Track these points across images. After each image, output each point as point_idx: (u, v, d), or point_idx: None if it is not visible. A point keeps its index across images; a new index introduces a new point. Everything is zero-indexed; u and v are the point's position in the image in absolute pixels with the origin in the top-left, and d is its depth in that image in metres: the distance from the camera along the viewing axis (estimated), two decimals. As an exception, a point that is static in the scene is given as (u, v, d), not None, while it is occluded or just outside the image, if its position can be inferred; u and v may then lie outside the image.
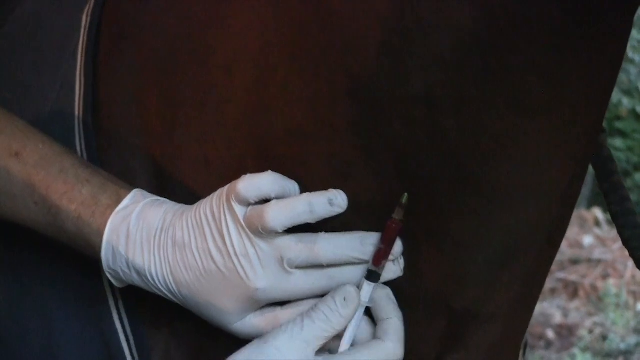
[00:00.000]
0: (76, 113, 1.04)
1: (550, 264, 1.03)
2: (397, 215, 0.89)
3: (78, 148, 1.03)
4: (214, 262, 0.90)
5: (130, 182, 0.98)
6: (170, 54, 1.01)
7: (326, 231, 0.90)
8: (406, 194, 0.89)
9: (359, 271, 0.90)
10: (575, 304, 6.27)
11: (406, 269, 0.92)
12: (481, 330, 0.97)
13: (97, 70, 1.06)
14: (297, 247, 0.89)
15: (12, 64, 1.12)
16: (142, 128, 1.02)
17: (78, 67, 1.06)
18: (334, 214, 0.89)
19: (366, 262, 0.90)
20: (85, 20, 1.08)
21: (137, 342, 0.99)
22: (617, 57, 0.89)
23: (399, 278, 0.92)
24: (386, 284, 0.92)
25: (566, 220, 1.00)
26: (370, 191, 0.90)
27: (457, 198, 0.89)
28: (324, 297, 0.90)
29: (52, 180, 0.95)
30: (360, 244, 0.90)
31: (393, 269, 0.91)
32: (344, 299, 0.89)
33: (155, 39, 1.03)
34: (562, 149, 0.90)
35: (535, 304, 1.06)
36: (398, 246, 0.91)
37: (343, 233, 0.90)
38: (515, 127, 0.87)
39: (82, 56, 1.06)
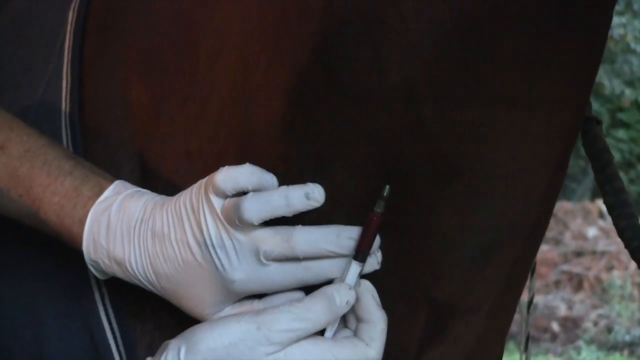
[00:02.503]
0: (63, 108, 1.05)
1: (534, 255, 1.04)
2: (379, 207, 0.90)
3: (64, 142, 1.04)
4: (192, 253, 0.91)
5: (115, 175, 0.99)
6: (154, 49, 1.02)
7: (304, 224, 0.90)
8: (388, 186, 0.89)
9: (335, 264, 0.91)
10: (579, 296, 6.27)
11: (388, 261, 0.93)
12: (463, 323, 0.97)
13: (83, 65, 1.07)
14: (273, 240, 0.89)
15: (1, 59, 1.12)
16: (126, 122, 1.03)
17: (65, 63, 1.07)
18: (310, 207, 0.90)
19: (343, 255, 0.90)
20: (71, 16, 1.09)
21: (122, 336, 1.00)
22: (598, 48, 0.90)
23: (380, 269, 0.93)
24: (366, 276, 0.92)
25: (549, 212, 1.00)
26: (350, 184, 0.91)
27: (437, 190, 0.90)
28: (325, 292, 0.89)
29: (36, 172, 0.96)
30: (336, 237, 0.90)
31: (370, 261, 0.91)
32: (347, 302, 0.90)
33: (139, 34, 1.04)
34: (543, 141, 0.90)
35: (519, 296, 1.06)
36: (376, 240, 0.91)
37: (320, 226, 0.90)
38: (496, 120, 0.87)
39: (68, 52, 1.07)
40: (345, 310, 0.90)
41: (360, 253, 0.90)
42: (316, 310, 0.88)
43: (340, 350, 0.89)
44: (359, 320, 0.92)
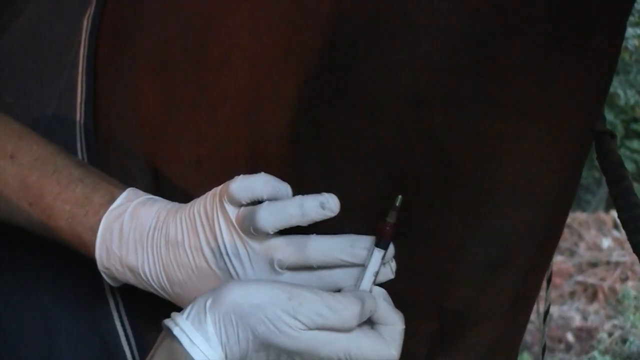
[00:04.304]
0: (77, 117, 1.05)
1: (547, 266, 1.03)
2: (391, 218, 0.89)
3: (79, 152, 1.04)
4: (206, 261, 0.91)
5: (127, 183, 0.99)
6: (167, 56, 1.02)
7: (317, 233, 0.90)
8: (400, 197, 0.89)
9: (349, 273, 0.91)
10: (594, 306, 6.24)
11: (398, 270, 0.93)
12: (473, 333, 0.97)
13: (97, 73, 1.07)
14: (288, 249, 0.89)
15: (15, 69, 1.13)
16: (138, 129, 1.03)
17: (79, 72, 1.07)
18: (325, 217, 0.90)
19: (356, 265, 0.90)
20: (86, 24, 1.09)
21: (137, 343, 1.00)
22: (612, 56, 0.89)
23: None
24: (379, 285, 0.92)
25: (562, 223, 1.00)
26: (362, 193, 0.91)
27: (447, 199, 0.90)
28: (359, 296, 0.89)
29: (46, 181, 0.96)
30: (350, 247, 0.90)
31: (384, 271, 0.91)
32: (370, 311, 0.89)
33: (152, 41, 1.04)
34: (554, 152, 0.90)
35: (532, 307, 1.05)
36: (390, 249, 0.91)
37: (334, 235, 0.90)
38: (506, 129, 0.87)
39: (83, 60, 1.07)
40: (367, 317, 0.90)
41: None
42: (350, 309, 0.88)
43: (365, 343, 0.89)
44: (375, 322, 0.91)
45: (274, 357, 0.88)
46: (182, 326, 0.87)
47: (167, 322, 0.88)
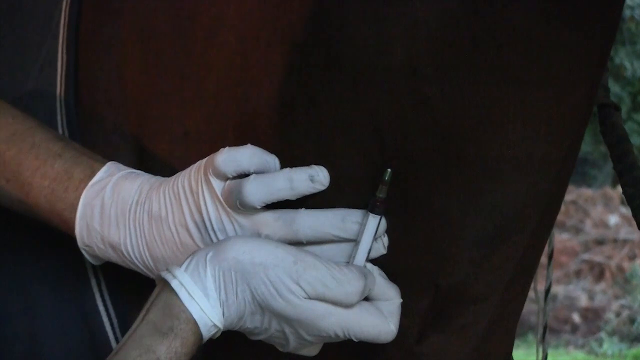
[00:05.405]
0: (58, 91, 1.03)
1: (545, 242, 1.01)
2: (381, 192, 0.88)
3: (59, 126, 1.02)
4: (191, 237, 0.89)
5: (112, 158, 0.97)
6: (150, 27, 1.00)
7: (307, 207, 0.88)
8: (389, 170, 0.87)
9: (340, 249, 0.89)
10: (601, 286, 6.26)
11: (391, 245, 0.91)
12: (469, 311, 0.95)
13: (79, 45, 1.05)
14: (276, 224, 0.87)
15: None
16: (123, 102, 1.01)
17: (60, 43, 1.05)
18: (315, 190, 0.88)
19: (348, 240, 0.88)
20: None
21: (119, 321, 0.98)
22: (612, 26, 0.87)
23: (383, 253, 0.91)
24: (370, 260, 0.90)
25: (560, 198, 0.98)
26: (353, 166, 0.89)
27: (443, 173, 0.88)
28: (363, 272, 0.87)
29: (24, 156, 0.94)
30: (341, 222, 0.88)
31: (376, 246, 0.89)
32: (369, 290, 0.87)
33: (136, 12, 1.01)
34: (553, 124, 0.87)
35: (529, 285, 1.04)
36: (382, 224, 0.89)
37: (324, 210, 0.88)
38: (503, 100, 0.85)
39: (64, 32, 1.05)
40: (367, 294, 0.88)
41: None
42: (355, 284, 0.86)
43: (365, 318, 0.87)
44: (372, 298, 0.89)
45: (267, 323, 0.85)
46: (180, 279, 0.83)
47: (165, 274, 0.84)
